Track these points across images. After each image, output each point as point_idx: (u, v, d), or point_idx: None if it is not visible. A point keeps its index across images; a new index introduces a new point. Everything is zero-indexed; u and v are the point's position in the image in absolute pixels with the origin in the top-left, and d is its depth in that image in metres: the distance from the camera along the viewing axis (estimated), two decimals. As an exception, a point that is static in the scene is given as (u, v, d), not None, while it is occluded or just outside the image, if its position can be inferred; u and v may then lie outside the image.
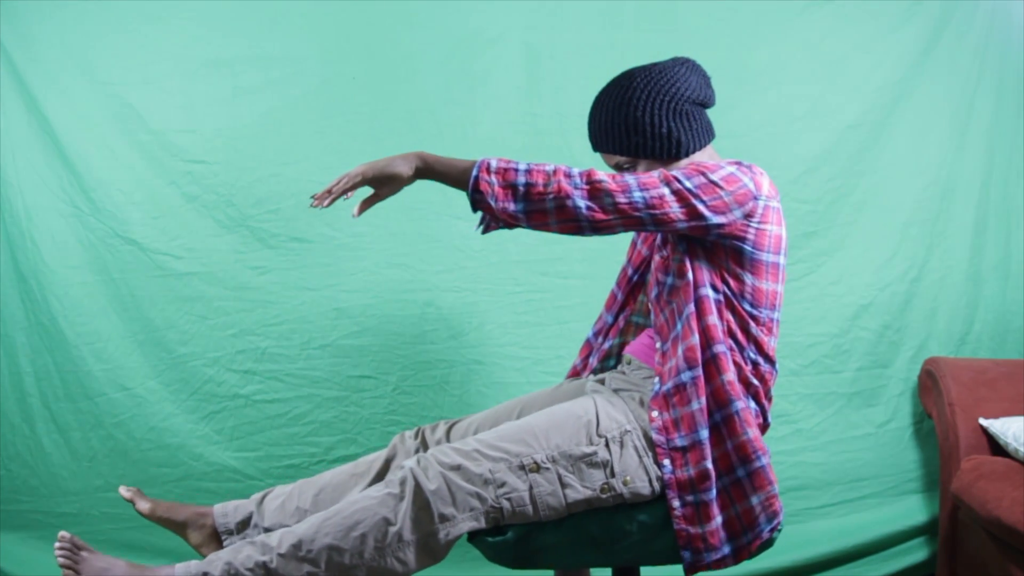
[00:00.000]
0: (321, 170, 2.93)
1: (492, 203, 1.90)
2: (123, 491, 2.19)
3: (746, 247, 2.01)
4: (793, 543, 2.95)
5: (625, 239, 2.40)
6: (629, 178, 1.92)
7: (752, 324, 2.04)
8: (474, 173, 1.90)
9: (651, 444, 2.00)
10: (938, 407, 2.92)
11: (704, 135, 2.13)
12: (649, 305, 2.24)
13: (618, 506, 2.00)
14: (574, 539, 1.99)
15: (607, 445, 1.98)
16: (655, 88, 2.07)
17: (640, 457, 1.99)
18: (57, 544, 1.99)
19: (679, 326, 2.02)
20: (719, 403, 1.98)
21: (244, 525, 2.16)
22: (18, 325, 2.95)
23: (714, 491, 1.96)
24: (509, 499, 1.94)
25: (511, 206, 1.90)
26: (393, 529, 1.91)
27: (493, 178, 1.90)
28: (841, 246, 3.12)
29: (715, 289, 2.02)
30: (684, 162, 2.10)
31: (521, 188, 1.89)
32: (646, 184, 1.92)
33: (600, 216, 1.90)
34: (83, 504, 2.96)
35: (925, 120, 3.15)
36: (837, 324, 3.11)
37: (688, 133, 2.09)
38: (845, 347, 3.11)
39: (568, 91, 3.04)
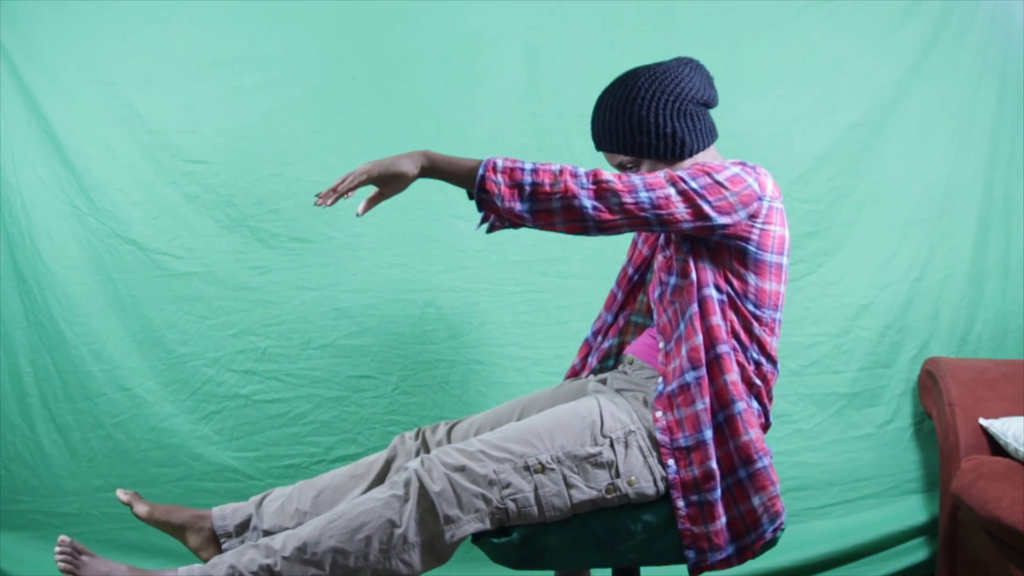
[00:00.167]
0: (321, 170, 2.92)
1: (498, 203, 1.89)
2: (120, 494, 2.17)
3: (750, 247, 2.01)
4: (793, 543, 2.95)
5: (626, 239, 2.41)
6: (635, 178, 1.92)
7: (755, 324, 2.04)
8: (480, 172, 1.90)
9: (655, 444, 2.00)
10: (938, 407, 2.93)
11: (707, 135, 2.13)
12: (650, 304, 2.24)
13: (622, 506, 2.00)
14: (579, 539, 1.98)
15: (612, 445, 1.98)
16: (660, 88, 2.07)
17: (645, 457, 1.99)
18: (57, 549, 1.97)
19: (682, 326, 2.02)
20: (722, 403, 1.99)
21: (243, 528, 2.15)
22: (18, 325, 2.95)
23: (719, 491, 1.96)
24: (514, 500, 1.94)
25: (517, 206, 1.90)
26: (398, 531, 1.90)
27: (500, 177, 1.89)
28: (842, 246, 3.13)
29: (719, 289, 2.02)
30: (688, 162, 2.10)
31: (527, 188, 1.89)
32: (652, 184, 1.92)
33: (606, 216, 1.90)
34: (83, 504, 2.95)
35: (925, 120, 3.15)
36: (838, 324, 3.12)
37: (692, 133, 2.09)
38: (846, 347, 3.12)
39: (568, 91, 3.04)
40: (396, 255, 3.02)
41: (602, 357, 2.37)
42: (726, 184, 1.95)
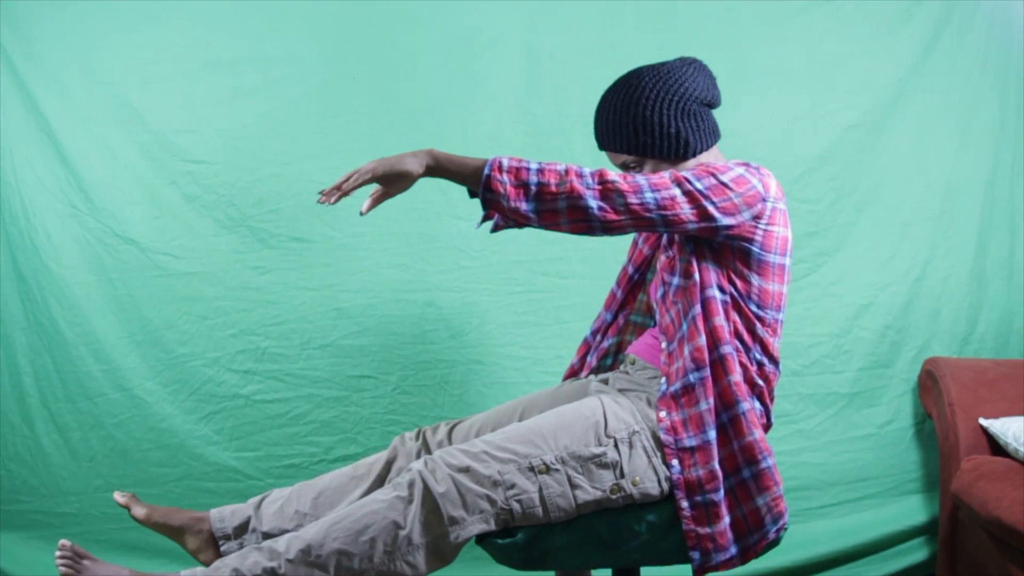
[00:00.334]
0: (321, 170, 2.92)
1: (504, 203, 1.88)
2: (118, 497, 2.15)
3: (753, 248, 2.01)
4: (794, 543, 2.95)
5: (626, 239, 2.40)
6: (640, 179, 1.92)
7: (758, 325, 2.04)
8: (486, 172, 1.89)
9: (659, 444, 2.00)
10: (938, 407, 2.93)
11: (711, 135, 2.13)
12: (650, 304, 2.24)
13: (626, 507, 2.00)
14: (583, 540, 1.98)
15: (616, 446, 1.98)
16: (663, 87, 2.07)
17: (649, 458, 1.99)
18: (58, 553, 1.96)
19: (685, 326, 2.02)
20: (726, 404, 1.98)
21: (242, 530, 2.13)
22: (17, 325, 2.94)
23: (722, 491, 1.96)
24: (519, 501, 1.94)
25: (523, 205, 1.89)
26: (403, 533, 1.90)
27: (505, 177, 1.88)
28: (842, 246, 3.13)
29: (722, 290, 2.02)
30: (691, 163, 2.10)
31: (533, 187, 1.88)
32: (657, 185, 1.92)
33: (612, 216, 1.89)
34: (83, 504, 2.95)
35: (925, 120, 3.16)
36: (838, 324, 3.12)
37: (696, 133, 2.09)
38: (846, 347, 3.12)
39: (568, 91, 3.04)
40: (396, 255, 3.02)
41: (601, 356, 2.37)
42: (731, 185, 1.95)
